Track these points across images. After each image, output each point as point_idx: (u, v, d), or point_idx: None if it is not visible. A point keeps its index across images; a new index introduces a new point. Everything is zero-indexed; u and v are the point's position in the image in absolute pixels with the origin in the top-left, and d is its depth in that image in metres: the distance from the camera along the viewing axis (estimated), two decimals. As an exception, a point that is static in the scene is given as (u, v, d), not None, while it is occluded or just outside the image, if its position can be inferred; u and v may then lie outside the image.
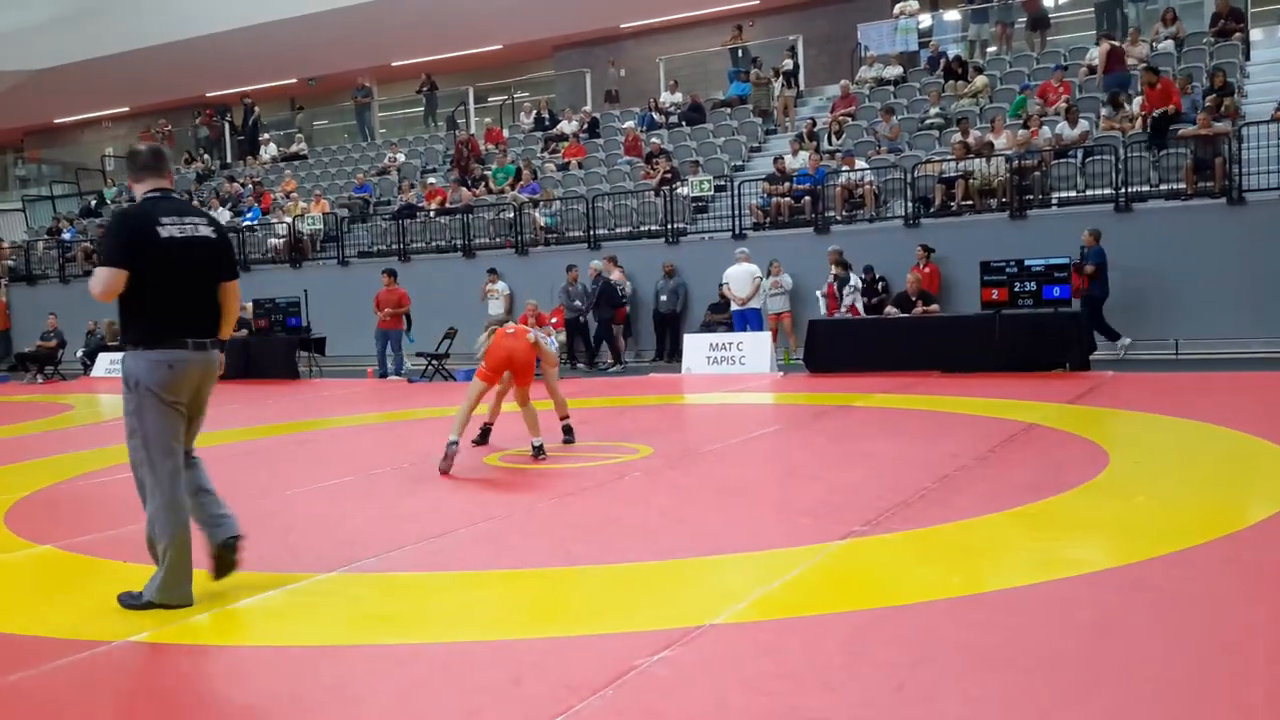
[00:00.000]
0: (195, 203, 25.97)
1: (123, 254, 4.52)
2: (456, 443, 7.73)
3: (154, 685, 3.72)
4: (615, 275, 17.62)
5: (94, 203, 30.08)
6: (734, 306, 16.16)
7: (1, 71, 32.18)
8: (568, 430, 8.96)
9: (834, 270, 16.14)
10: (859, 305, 15.82)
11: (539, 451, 8.08)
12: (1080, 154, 16.00)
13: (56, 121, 36.18)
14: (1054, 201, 16.03)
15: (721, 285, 16.19)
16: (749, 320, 16.12)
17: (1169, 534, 5.08)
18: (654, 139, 21.12)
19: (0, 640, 4.30)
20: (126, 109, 34.92)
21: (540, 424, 8.25)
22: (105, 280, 4.50)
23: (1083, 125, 16.18)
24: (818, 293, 16.13)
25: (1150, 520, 5.44)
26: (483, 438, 9.00)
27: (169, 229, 4.56)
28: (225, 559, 4.69)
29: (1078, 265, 14.18)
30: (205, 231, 4.70)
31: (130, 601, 4.57)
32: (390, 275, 17.40)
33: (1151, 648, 3.65)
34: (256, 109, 30.50)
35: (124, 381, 4.67)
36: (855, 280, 15.76)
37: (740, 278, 15.98)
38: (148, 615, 4.41)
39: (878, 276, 15.78)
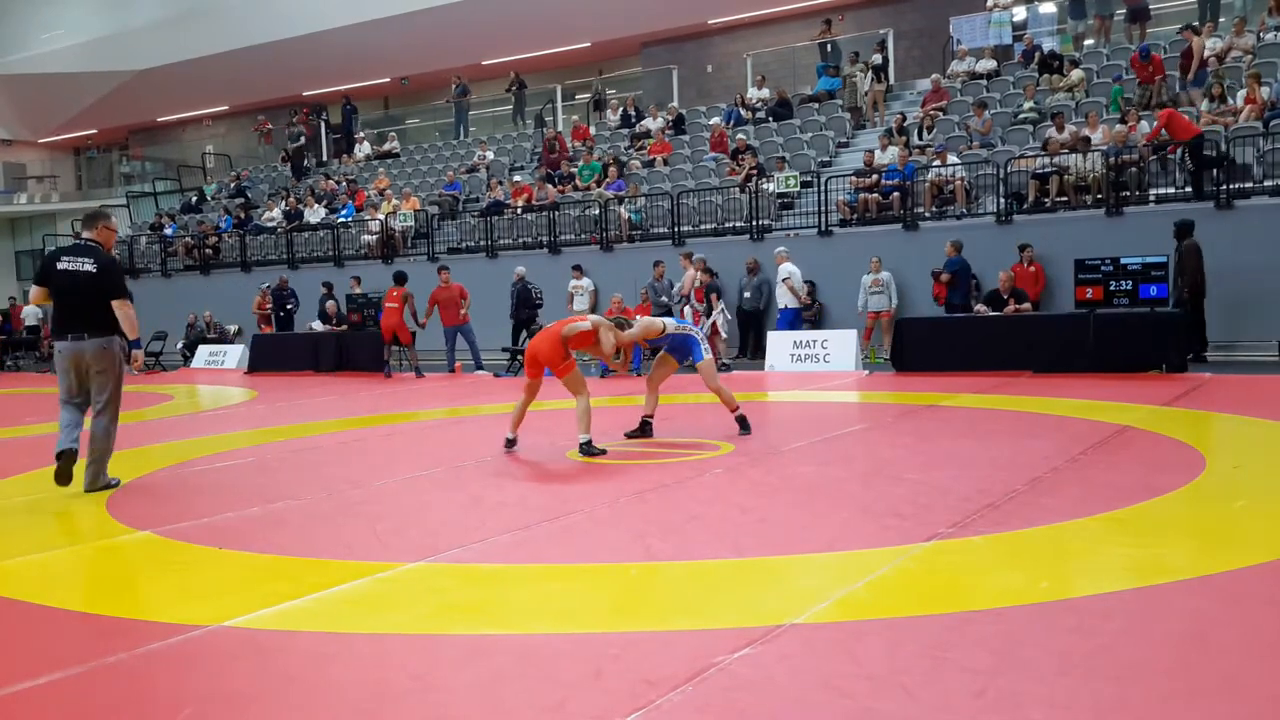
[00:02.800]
0: (293, 199, 26.69)
1: (37, 278, 7.39)
2: (513, 440, 8.42)
3: (245, 669, 3.83)
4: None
5: (194, 199, 31.00)
6: (791, 305, 16.00)
7: (107, 72, 33.42)
8: (741, 421, 8.89)
9: (699, 278, 16.08)
10: (721, 325, 15.92)
11: (584, 448, 8.05)
12: (1180, 149, 15.53)
13: (159, 120, 37.36)
14: (1152, 198, 15.59)
15: (784, 280, 16.02)
16: (794, 320, 16.05)
17: (1269, 541, 4.92)
18: (740, 135, 21.05)
19: (100, 622, 4.47)
20: (226, 107, 35.93)
21: (591, 421, 8.24)
22: (31, 294, 7.50)
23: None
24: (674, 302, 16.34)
25: (1249, 527, 5.28)
26: (641, 430, 8.92)
27: (64, 264, 7.15)
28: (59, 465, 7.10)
29: (936, 273, 15.20)
30: (88, 267, 7.13)
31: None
32: (447, 271, 17.40)
33: (1249, 659, 3.54)
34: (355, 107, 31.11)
35: None
36: (721, 307, 15.83)
37: (799, 277, 15.86)
38: (239, 599, 4.54)
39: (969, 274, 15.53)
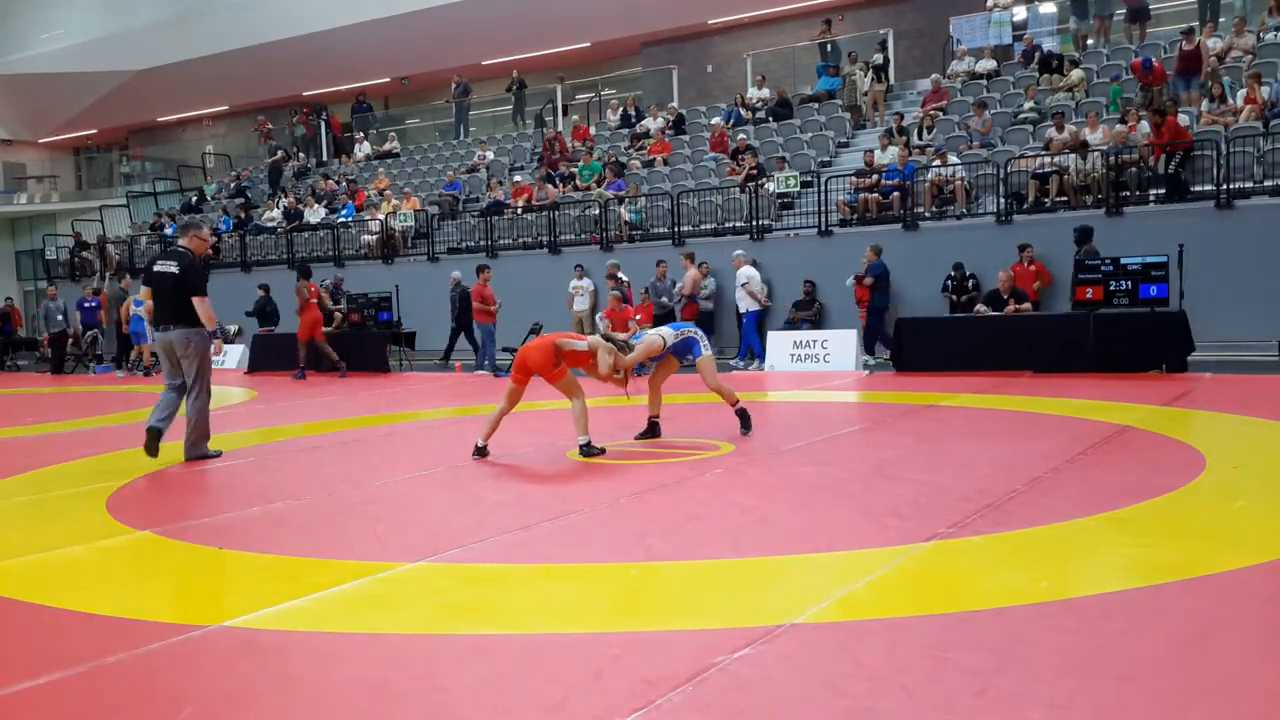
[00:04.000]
0: (291, 198, 26.71)
1: (144, 279, 9.08)
2: (482, 448, 8.25)
3: (246, 669, 3.82)
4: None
5: (194, 199, 30.98)
6: (749, 308, 16.02)
7: (107, 72, 33.42)
8: (742, 416, 8.91)
9: (610, 286, 16.26)
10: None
11: (584, 449, 8.04)
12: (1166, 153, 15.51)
13: (159, 120, 37.34)
14: (1152, 198, 15.59)
15: (742, 285, 16.06)
16: (756, 323, 16.16)
17: (1269, 541, 4.92)
18: (740, 135, 21.05)
19: (100, 623, 4.46)
20: (226, 107, 35.92)
21: (588, 422, 8.22)
22: (140, 292, 9.57)
23: (1183, 120, 15.70)
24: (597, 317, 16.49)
25: (1250, 526, 5.28)
26: (650, 431, 8.90)
27: (158, 266, 8.63)
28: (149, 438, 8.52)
29: (859, 278, 15.57)
30: (171, 269, 8.50)
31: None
32: (488, 270, 17.43)
33: (1249, 659, 3.54)
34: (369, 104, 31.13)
35: None
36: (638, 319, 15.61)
37: (759, 280, 15.86)
38: (239, 599, 4.54)
39: (968, 274, 15.53)
